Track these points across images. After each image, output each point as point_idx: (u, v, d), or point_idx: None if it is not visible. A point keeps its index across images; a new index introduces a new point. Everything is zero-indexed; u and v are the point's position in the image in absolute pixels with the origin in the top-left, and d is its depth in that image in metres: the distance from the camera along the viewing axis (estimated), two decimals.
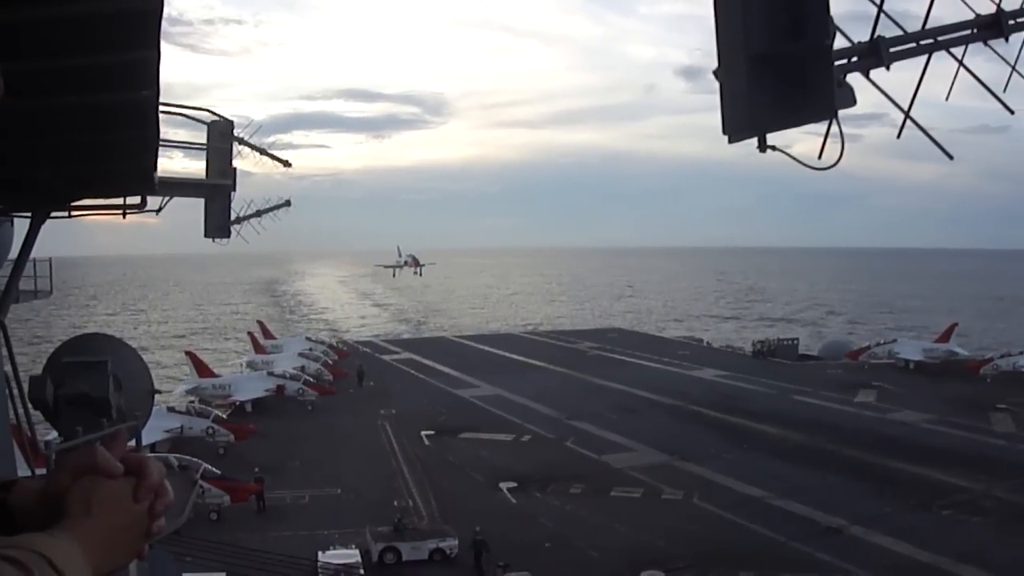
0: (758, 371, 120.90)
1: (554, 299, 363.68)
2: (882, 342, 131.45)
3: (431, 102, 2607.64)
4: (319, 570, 47.24)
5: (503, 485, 66.43)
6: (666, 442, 80.00)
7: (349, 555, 49.69)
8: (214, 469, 60.28)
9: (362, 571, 47.82)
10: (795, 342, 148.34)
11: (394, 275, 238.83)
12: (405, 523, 53.61)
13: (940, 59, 11.25)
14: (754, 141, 10.52)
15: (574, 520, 58.91)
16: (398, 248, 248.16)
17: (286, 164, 41.75)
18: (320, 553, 49.42)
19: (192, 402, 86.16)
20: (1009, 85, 11.86)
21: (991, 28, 11.30)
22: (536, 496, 64.35)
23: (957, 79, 11.70)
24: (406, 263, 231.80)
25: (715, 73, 10.57)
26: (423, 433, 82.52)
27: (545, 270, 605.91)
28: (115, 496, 3.38)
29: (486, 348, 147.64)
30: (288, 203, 46.44)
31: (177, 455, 61.90)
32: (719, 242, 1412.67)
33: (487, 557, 50.00)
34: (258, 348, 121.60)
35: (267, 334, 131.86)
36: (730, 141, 10.65)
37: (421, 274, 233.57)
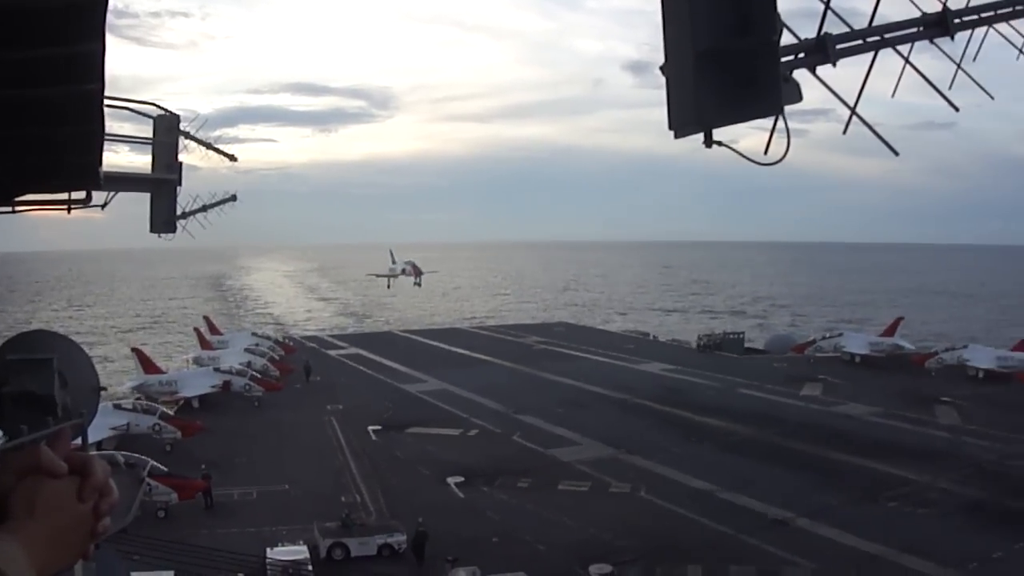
0: (704, 365, 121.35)
1: (499, 293, 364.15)
2: (828, 336, 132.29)
3: (378, 96, 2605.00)
4: (267, 567, 46.97)
5: (450, 480, 66.43)
6: (613, 436, 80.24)
7: (297, 551, 49.33)
8: (161, 466, 59.85)
9: (310, 567, 47.55)
10: (741, 336, 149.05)
11: (388, 286, 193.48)
12: (353, 519, 53.45)
13: (887, 56, 11.33)
14: (701, 136, 10.54)
15: (522, 514, 59.05)
16: (391, 253, 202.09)
17: (232, 158, 41.52)
18: (268, 549, 49.05)
19: (139, 399, 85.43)
20: (954, 83, 11.95)
21: (937, 26, 11.43)
22: (484, 490, 64.40)
23: (903, 76, 11.80)
24: (404, 271, 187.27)
25: (662, 69, 10.66)
26: (370, 428, 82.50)
27: (492, 264, 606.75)
28: (59, 496, 3.40)
29: (432, 343, 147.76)
30: (234, 198, 46.21)
31: (124, 452, 61.36)
32: (665, 236, 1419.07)
33: (429, 548, 50.09)
34: (204, 344, 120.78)
35: (213, 329, 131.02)
36: (676, 136, 10.76)
37: (420, 284, 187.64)
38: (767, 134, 10.66)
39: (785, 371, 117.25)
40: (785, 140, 10.54)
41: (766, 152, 10.89)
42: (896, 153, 11.84)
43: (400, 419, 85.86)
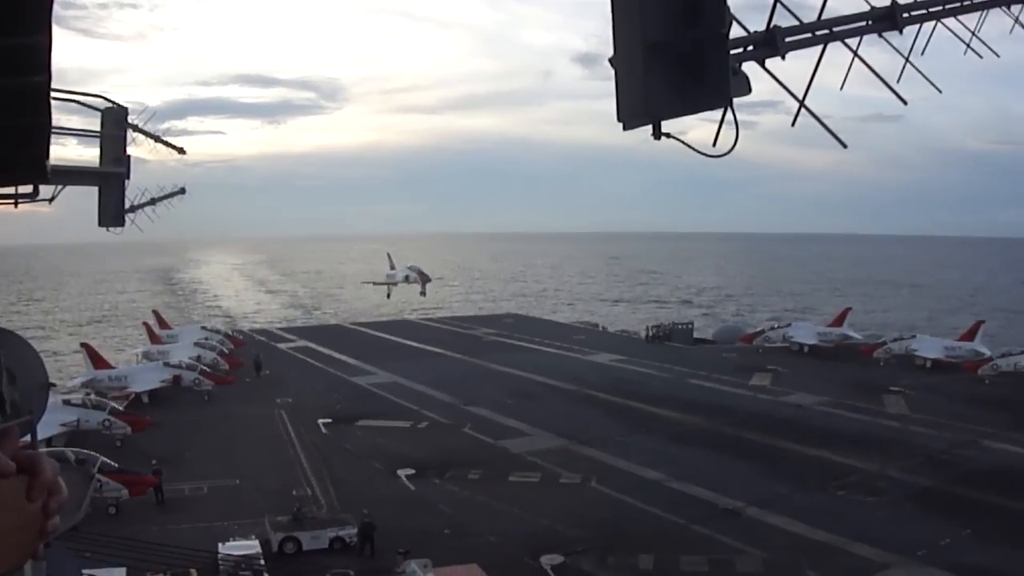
0: (653, 355, 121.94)
1: (448, 284, 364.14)
2: (776, 326, 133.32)
3: (327, 87, 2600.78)
4: (219, 562, 46.72)
5: (401, 472, 66.35)
6: (563, 427, 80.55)
7: (249, 546, 48.94)
8: (111, 462, 59.42)
9: (262, 561, 47.11)
10: (690, 326, 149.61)
11: (388, 295, 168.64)
12: (304, 512, 53.27)
13: (836, 49, 11.40)
14: (650, 128, 10.56)
15: (473, 506, 59.19)
16: (389, 257, 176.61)
17: (180, 151, 41.26)
18: (220, 545, 48.62)
19: (88, 394, 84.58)
20: (903, 76, 12.13)
21: (885, 20, 11.53)
22: (435, 483, 64.36)
23: (852, 69, 11.89)
24: (407, 279, 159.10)
25: (611, 61, 10.63)
26: (320, 421, 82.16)
27: (441, 256, 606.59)
28: (7, 496, 3.37)
29: (382, 335, 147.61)
30: (183, 191, 45.98)
31: (73, 449, 61.12)
32: (614, 227, 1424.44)
33: (381, 541, 50.07)
34: (154, 338, 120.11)
35: (163, 324, 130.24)
36: (625, 128, 10.72)
37: (425, 293, 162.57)
38: (716, 126, 10.72)
39: (734, 361, 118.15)
40: (734, 132, 10.59)
41: (715, 144, 11.01)
42: (844, 145, 11.90)
43: (350, 412, 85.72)
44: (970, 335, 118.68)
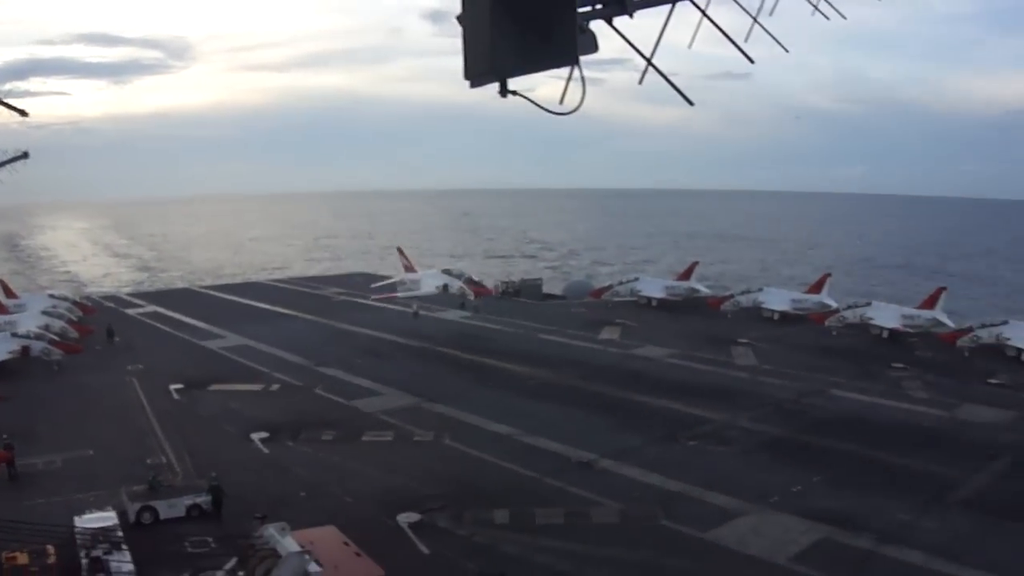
0: (504, 311, 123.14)
1: (291, 243, 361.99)
2: (624, 280, 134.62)
3: (174, 46, 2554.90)
4: (76, 536, 46.20)
5: (255, 436, 66.03)
6: (415, 384, 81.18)
7: (106, 518, 47.74)
8: None
9: (120, 533, 45.99)
10: (539, 282, 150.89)
11: (415, 313, 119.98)
12: (160, 481, 52.44)
13: (684, 8, 11.81)
14: (497, 85, 10.95)
15: (328, 467, 59.09)
16: (403, 255, 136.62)
17: (23, 113, 41.14)
18: (76, 518, 47.44)
19: None
20: (751, 35, 12.67)
21: None
22: (288, 445, 64.17)
23: (701, 28, 12.38)
24: (444, 288, 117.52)
25: (458, 19, 10.99)
26: (172, 387, 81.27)
27: (289, 215, 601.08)
28: None
29: (231, 297, 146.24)
30: (26, 155, 45.83)
31: None
32: (465, 183, 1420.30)
33: (237, 506, 50.06)
34: None
35: (8, 293, 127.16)
36: (472, 86, 11.05)
37: (479, 309, 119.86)
38: (564, 83, 11.17)
39: (583, 316, 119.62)
40: (581, 89, 11.04)
41: (561, 101, 11.36)
42: (691, 103, 12.10)
43: (202, 377, 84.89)
44: (817, 288, 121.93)
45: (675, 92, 12.08)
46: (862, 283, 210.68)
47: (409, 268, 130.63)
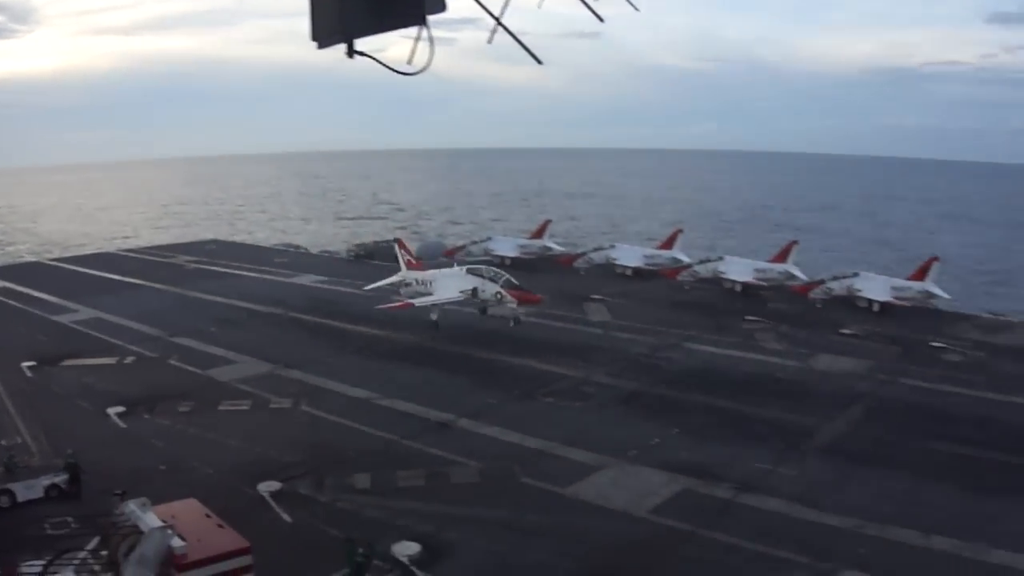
0: (357, 274, 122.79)
1: (140, 211, 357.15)
2: (478, 240, 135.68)
3: (17, 9, 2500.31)
4: None
5: (111, 410, 65.00)
6: (270, 351, 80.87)
7: None
8: None
9: None
10: (392, 243, 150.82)
11: (436, 324, 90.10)
12: (16, 462, 51.32)
13: None
14: (345, 46, 10.92)
15: (186, 439, 58.66)
16: (401, 251, 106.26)
17: None
18: None
19: None
20: None
21: None
22: (145, 418, 63.39)
23: None
24: (473, 293, 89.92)
25: None
26: (24, 364, 79.29)
27: (138, 183, 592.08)
28: None
29: (82, 269, 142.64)
30: None
31: None
32: (315, 146, 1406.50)
33: (98, 484, 49.28)
34: None
35: None
36: (319, 47, 11.05)
37: (520, 320, 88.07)
38: (412, 43, 11.11)
39: None
40: (430, 49, 11.02)
41: (410, 62, 11.26)
42: (539, 62, 12.24)
43: (54, 352, 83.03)
44: (669, 243, 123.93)
45: (525, 51, 12.04)
46: (710, 237, 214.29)
47: (413, 264, 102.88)
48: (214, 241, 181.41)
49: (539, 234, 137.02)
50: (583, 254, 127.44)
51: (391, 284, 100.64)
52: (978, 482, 51.53)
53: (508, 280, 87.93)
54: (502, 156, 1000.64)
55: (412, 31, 11.16)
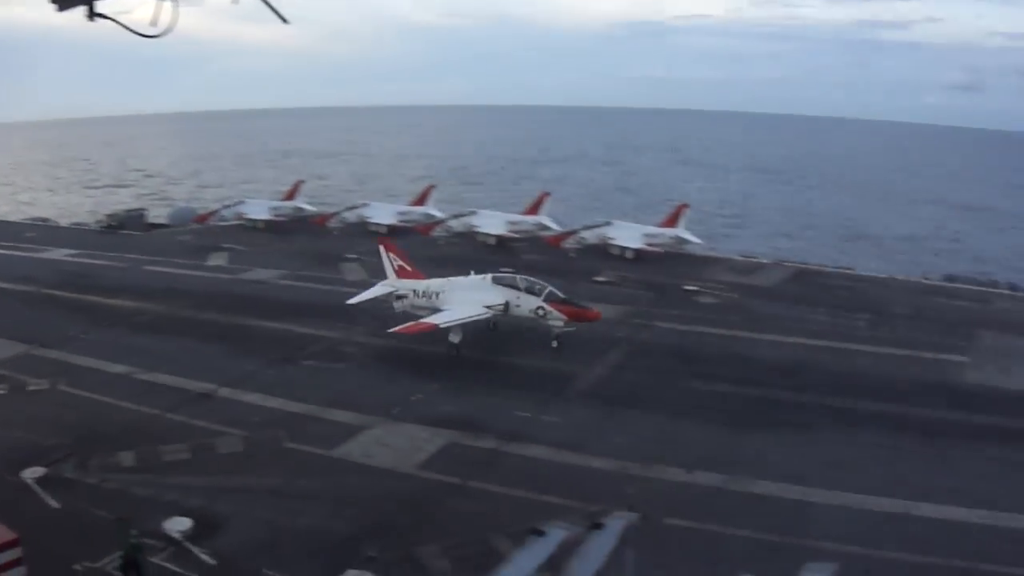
0: (108, 245, 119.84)
1: None
2: (230, 204, 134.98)
3: None
4: None
5: None
6: (22, 331, 77.56)
7: None
8: None
9: None
10: (143, 212, 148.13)
11: (457, 349, 67.81)
12: None
13: None
14: (85, 8, 11.08)
15: None
16: (388, 258, 79.85)
17: None
18: None
19: None
20: None
21: None
22: None
23: None
24: (507, 308, 69.15)
25: None
26: None
27: None
28: None
29: None
30: None
31: None
32: (58, 113, 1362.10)
33: None
34: None
35: None
36: (59, 9, 11.17)
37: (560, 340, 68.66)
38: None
39: (189, 243, 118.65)
40: (173, 11, 11.40)
41: (154, 23, 11.50)
42: (285, 21, 12.29)
43: None
44: (422, 200, 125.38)
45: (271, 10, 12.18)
46: (458, 192, 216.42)
47: (407, 272, 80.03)
48: None
49: (290, 196, 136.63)
50: (335, 214, 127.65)
51: (379, 297, 77.87)
52: (737, 418, 53.89)
53: (552, 293, 69.32)
54: (255, 117, 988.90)
55: None
